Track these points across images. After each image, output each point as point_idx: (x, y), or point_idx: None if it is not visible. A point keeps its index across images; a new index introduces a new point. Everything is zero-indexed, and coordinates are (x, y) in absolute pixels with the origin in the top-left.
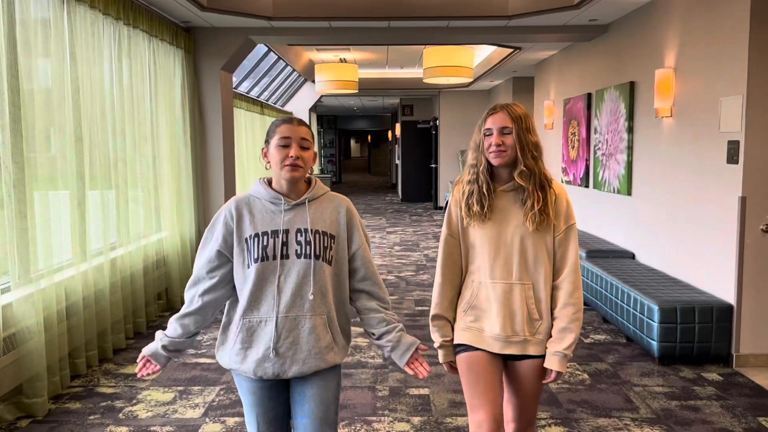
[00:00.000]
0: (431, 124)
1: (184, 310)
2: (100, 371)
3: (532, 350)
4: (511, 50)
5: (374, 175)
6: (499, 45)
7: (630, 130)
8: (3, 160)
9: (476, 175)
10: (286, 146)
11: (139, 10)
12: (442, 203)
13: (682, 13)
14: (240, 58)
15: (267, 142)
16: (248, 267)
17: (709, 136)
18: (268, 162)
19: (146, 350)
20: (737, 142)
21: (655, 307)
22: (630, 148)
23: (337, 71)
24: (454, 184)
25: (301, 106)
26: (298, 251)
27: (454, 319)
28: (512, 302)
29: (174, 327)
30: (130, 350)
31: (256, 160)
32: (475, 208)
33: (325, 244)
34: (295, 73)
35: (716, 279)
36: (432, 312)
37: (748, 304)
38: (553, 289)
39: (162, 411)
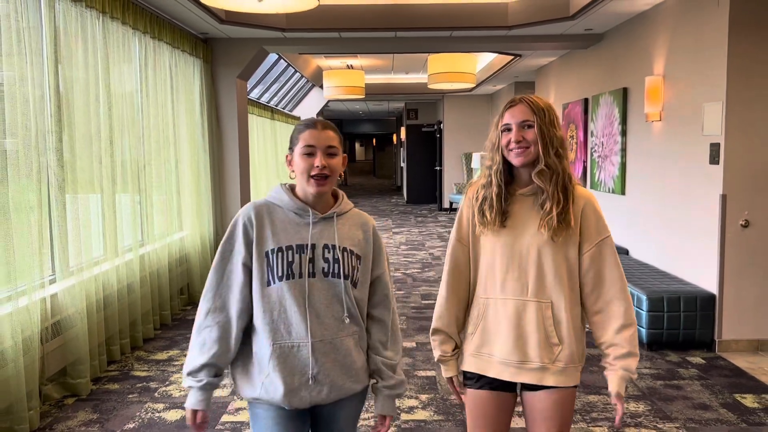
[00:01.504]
0: (435, 127)
1: (218, 348)
2: (132, 357)
3: (551, 380)
4: (512, 57)
5: (379, 177)
6: (500, 53)
7: (623, 133)
8: (50, 164)
9: (489, 177)
10: (310, 155)
11: (163, 23)
12: (446, 205)
13: (670, 24)
14: (254, 66)
15: (291, 149)
16: (268, 285)
17: (693, 138)
18: (293, 170)
19: (194, 405)
20: (718, 144)
21: (644, 297)
22: (623, 150)
23: (345, 77)
24: (468, 186)
25: (309, 110)
26: (326, 269)
27: (457, 334)
28: (525, 323)
29: (209, 371)
30: (158, 339)
31: (266, 164)
32: (489, 215)
33: (353, 264)
34: (304, 78)
35: (700, 270)
36: (432, 325)
37: (729, 293)
38: (597, 313)
39: None
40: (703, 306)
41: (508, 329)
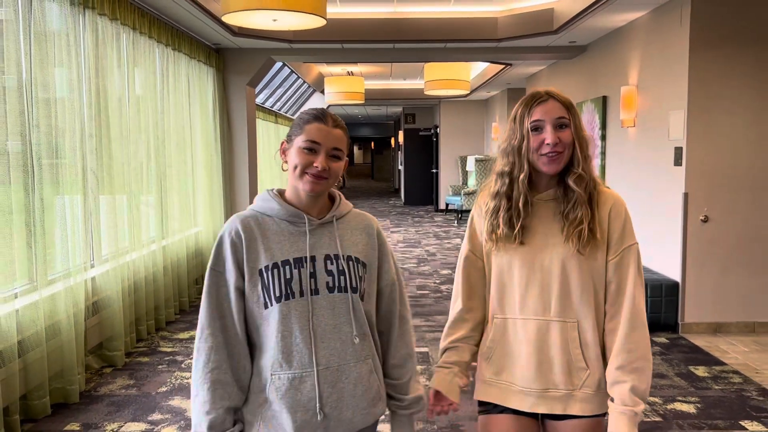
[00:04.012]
0: (432, 131)
1: (236, 390)
2: (158, 336)
3: (577, 409)
4: (503, 66)
5: (377, 180)
6: (491, 62)
7: (603, 138)
8: (90, 165)
9: (510, 186)
10: (312, 151)
11: (182, 36)
12: (442, 206)
13: (642, 39)
14: (262, 74)
15: (290, 138)
16: (266, 307)
17: (661, 142)
18: (286, 162)
19: None
20: (681, 148)
21: None
22: (603, 153)
23: (345, 83)
24: (480, 191)
25: None
26: (330, 283)
27: (475, 348)
28: (548, 345)
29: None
30: (178, 322)
31: (270, 166)
32: (502, 230)
33: (360, 274)
34: (306, 84)
35: (665, 261)
36: (444, 343)
37: (690, 281)
38: (606, 333)
39: None
40: (668, 292)
41: (528, 353)
